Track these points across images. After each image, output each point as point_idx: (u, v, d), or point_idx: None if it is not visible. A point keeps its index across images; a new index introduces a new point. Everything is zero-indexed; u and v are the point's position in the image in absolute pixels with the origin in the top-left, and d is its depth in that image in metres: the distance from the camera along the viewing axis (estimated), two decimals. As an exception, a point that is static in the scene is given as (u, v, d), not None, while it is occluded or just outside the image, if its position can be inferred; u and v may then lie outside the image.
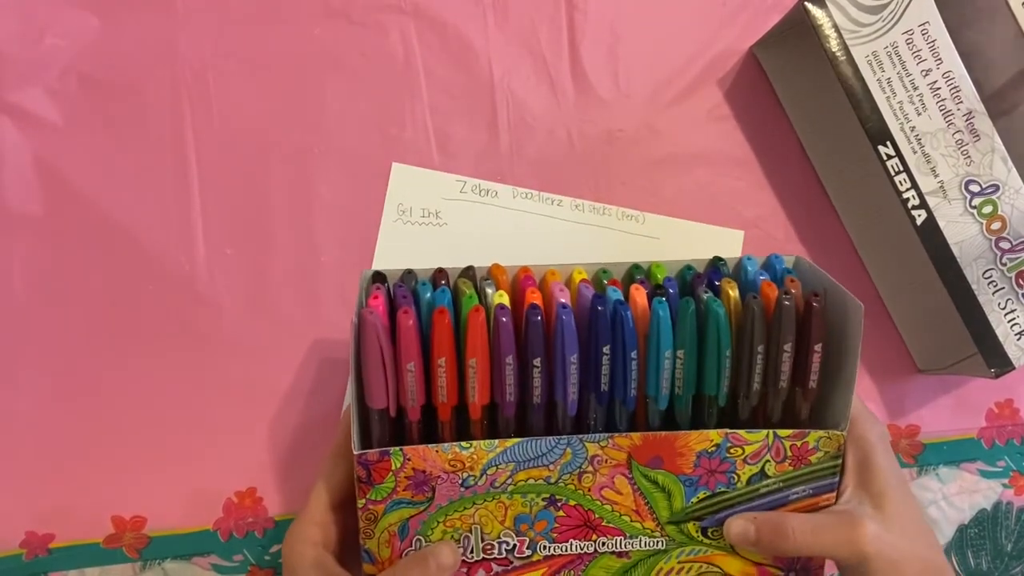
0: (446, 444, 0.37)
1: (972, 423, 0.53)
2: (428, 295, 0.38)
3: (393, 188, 0.48)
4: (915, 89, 0.44)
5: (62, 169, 0.46)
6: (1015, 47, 0.45)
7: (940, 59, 0.44)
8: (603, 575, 0.39)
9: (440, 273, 0.40)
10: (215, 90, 0.48)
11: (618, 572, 0.39)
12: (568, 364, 0.37)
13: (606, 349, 0.37)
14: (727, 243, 0.51)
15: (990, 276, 0.45)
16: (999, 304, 0.45)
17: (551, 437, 0.37)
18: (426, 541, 0.38)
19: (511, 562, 0.39)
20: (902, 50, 0.44)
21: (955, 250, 0.45)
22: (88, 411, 0.46)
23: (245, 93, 0.48)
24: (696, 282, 0.39)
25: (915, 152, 0.44)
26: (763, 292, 0.38)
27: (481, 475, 0.37)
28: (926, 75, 0.44)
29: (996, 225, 0.45)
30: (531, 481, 0.38)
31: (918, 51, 0.44)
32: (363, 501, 0.37)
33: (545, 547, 0.38)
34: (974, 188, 0.45)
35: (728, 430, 0.38)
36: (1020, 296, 0.45)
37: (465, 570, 0.38)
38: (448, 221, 0.49)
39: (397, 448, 0.36)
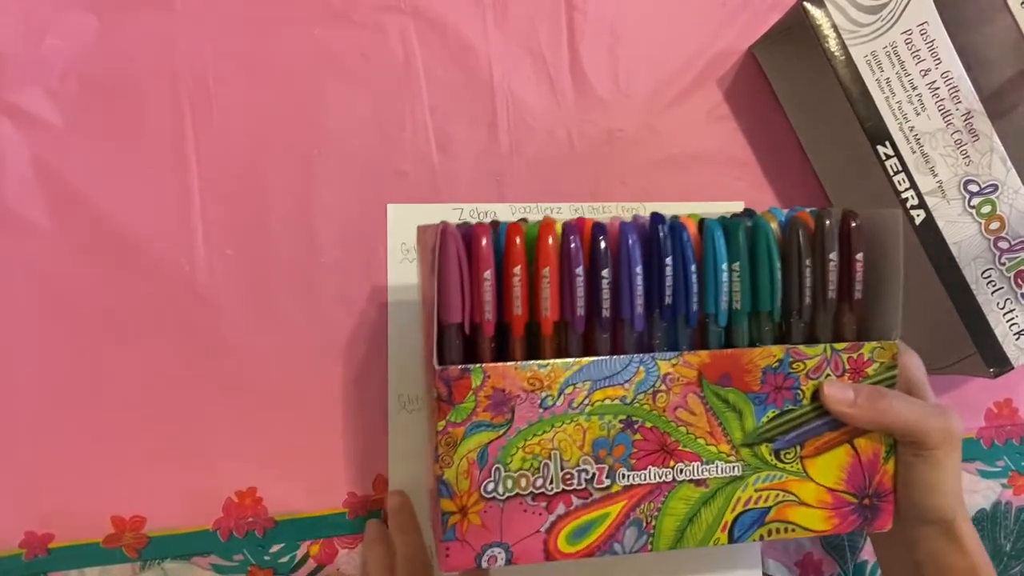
0: (524, 362, 0.37)
1: (971, 423, 0.53)
2: (491, 231, 0.39)
3: (392, 229, 0.49)
4: (914, 89, 0.44)
5: (62, 170, 0.46)
6: (1014, 47, 0.45)
7: (939, 59, 0.44)
8: (683, 506, 0.39)
9: (495, 223, 0.41)
10: (215, 90, 0.48)
11: (697, 503, 0.39)
12: (634, 275, 0.38)
13: (668, 261, 0.39)
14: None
15: (989, 276, 0.45)
16: (998, 304, 0.45)
17: (623, 356, 0.38)
18: (505, 471, 0.38)
19: (591, 494, 0.38)
20: (901, 50, 0.44)
21: (954, 250, 0.45)
22: (88, 411, 0.46)
23: (245, 93, 0.48)
24: (734, 217, 0.41)
25: (914, 152, 0.45)
26: (800, 217, 0.40)
27: (559, 394, 0.38)
28: (925, 75, 0.44)
29: (995, 225, 0.45)
30: (607, 401, 0.38)
31: (917, 51, 0.44)
32: (443, 423, 0.37)
33: (624, 475, 0.39)
34: (973, 188, 0.45)
35: (789, 346, 0.39)
36: (1019, 296, 0.45)
37: (545, 503, 0.38)
38: None
39: (476, 365, 0.37)
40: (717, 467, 0.39)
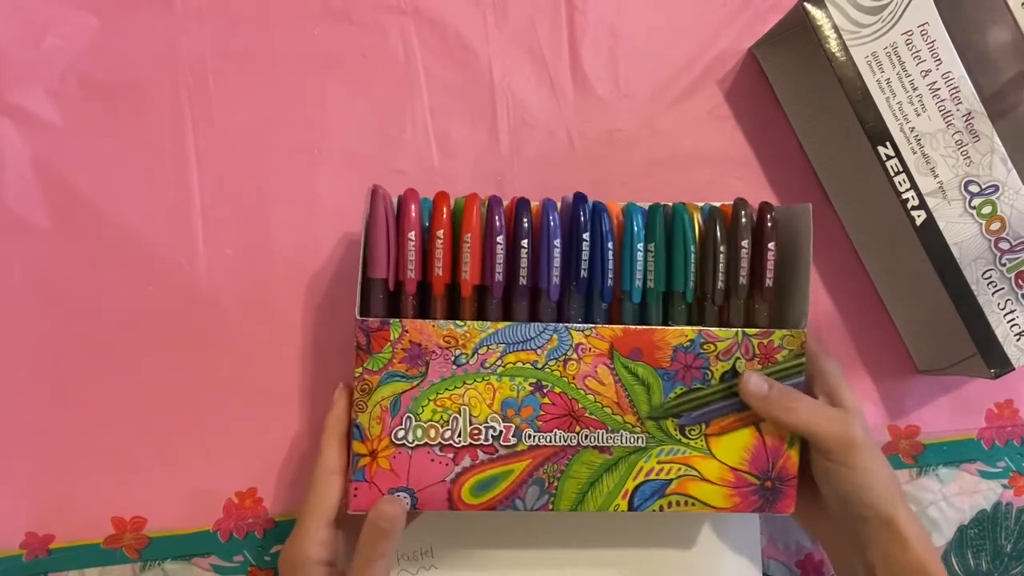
0: (441, 321, 0.40)
1: (972, 424, 0.53)
2: (428, 202, 0.42)
3: None
4: (914, 90, 0.44)
5: (62, 170, 0.46)
6: (1014, 48, 0.45)
7: (939, 60, 0.44)
8: (585, 471, 0.41)
9: (442, 195, 0.43)
10: (215, 90, 0.48)
11: (600, 468, 0.41)
12: (552, 248, 0.41)
13: (585, 236, 0.41)
14: None
15: (989, 276, 0.45)
16: (998, 304, 0.45)
17: (539, 323, 0.41)
18: (416, 420, 0.40)
19: (496, 450, 0.40)
20: (901, 51, 0.44)
21: (954, 251, 0.45)
22: (88, 412, 0.46)
23: (245, 93, 0.48)
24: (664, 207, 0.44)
25: (914, 153, 0.44)
26: (722, 208, 0.43)
27: (473, 353, 0.40)
28: (925, 76, 0.44)
29: (995, 225, 0.45)
30: (519, 364, 0.40)
31: (917, 52, 0.44)
32: (360, 370, 0.39)
33: (530, 436, 0.40)
34: (973, 189, 0.45)
35: (700, 327, 0.41)
36: (1019, 296, 0.45)
37: (452, 455, 0.40)
38: None
39: (395, 319, 0.40)
40: (622, 436, 0.41)
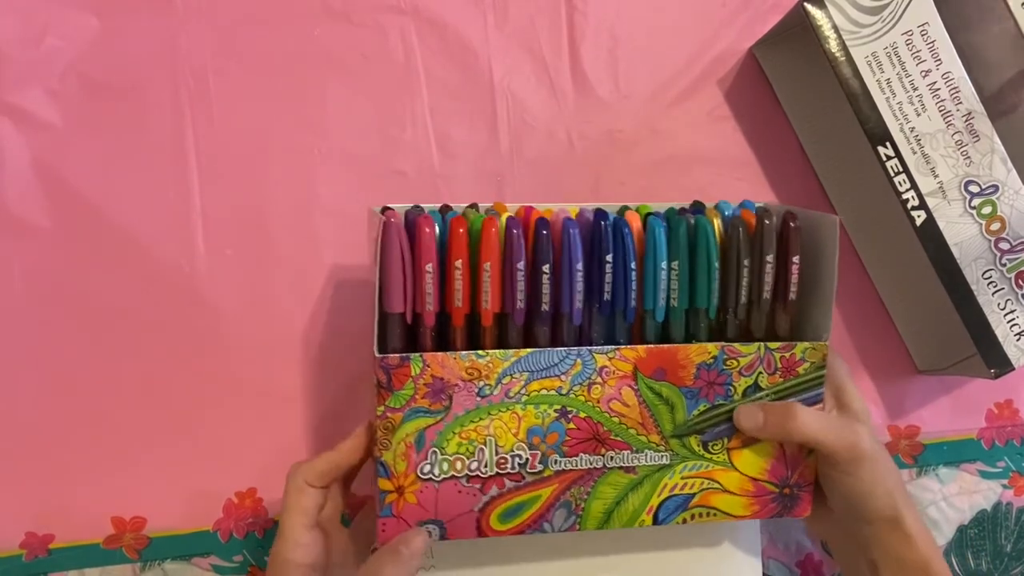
0: (463, 352, 0.38)
1: (972, 424, 0.53)
2: (438, 219, 0.40)
3: None
4: (914, 90, 0.44)
5: (62, 170, 0.46)
6: (1014, 48, 0.45)
7: (940, 60, 0.44)
8: (611, 491, 0.41)
9: (446, 208, 0.42)
10: (215, 90, 0.48)
11: (625, 488, 0.41)
12: (575, 272, 0.39)
13: (608, 258, 0.39)
14: None
15: (989, 276, 0.45)
16: (999, 304, 0.45)
17: (562, 348, 0.39)
18: (441, 454, 0.39)
19: (523, 477, 0.40)
20: (901, 51, 0.44)
21: (955, 251, 0.45)
22: (88, 411, 0.46)
23: (245, 93, 0.48)
24: (683, 213, 0.42)
25: (914, 153, 0.44)
26: (743, 216, 0.41)
27: (496, 384, 0.39)
28: (925, 76, 0.44)
29: (995, 226, 0.45)
30: (544, 392, 0.39)
31: (917, 52, 0.44)
32: (382, 408, 0.38)
33: (556, 461, 0.40)
34: (973, 189, 0.45)
35: (724, 343, 0.40)
36: (1019, 296, 0.45)
37: (479, 485, 0.39)
38: None
39: (416, 354, 0.38)
40: (647, 455, 0.41)
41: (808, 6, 0.44)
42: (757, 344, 0.41)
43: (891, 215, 0.46)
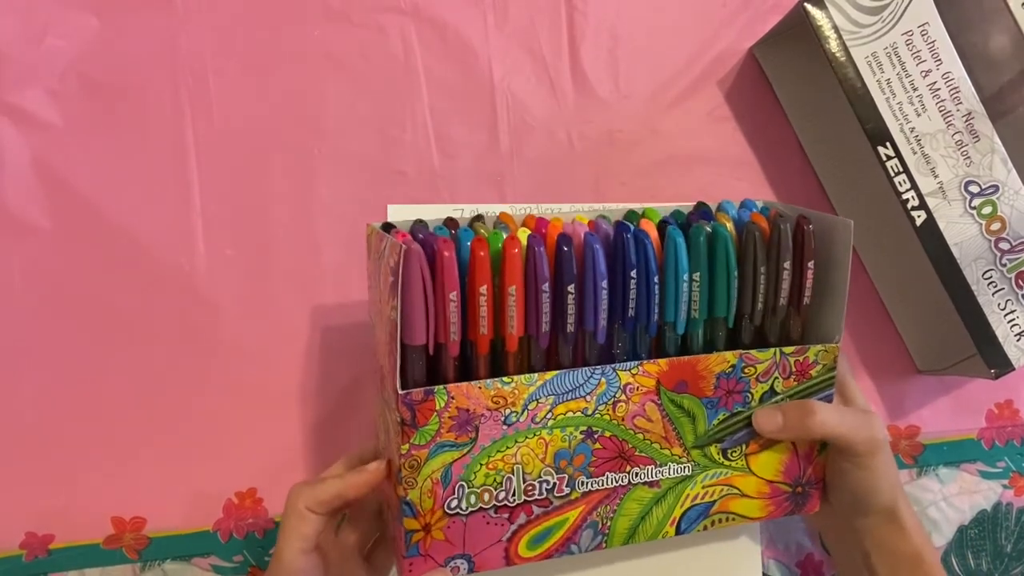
0: (488, 380, 0.37)
1: (972, 424, 0.53)
2: (449, 235, 0.38)
3: None
4: (915, 90, 0.44)
5: (62, 170, 0.46)
6: (1015, 48, 0.45)
7: (940, 60, 0.44)
8: (636, 507, 0.41)
9: (451, 221, 0.41)
10: (215, 90, 0.48)
11: (650, 502, 0.41)
12: (600, 290, 0.38)
13: (633, 274, 0.38)
14: None
15: (990, 277, 0.45)
16: (999, 305, 0.45)
17: (586, 368, 0.38)
18: (468, 487, 0.38)
19: (551, 502, 0.39)
20: (902, 51, 0.44)
21: (955, 251, 0.45)
22: (88, 412, 0.46)
23: (245, 93, 0.48)
24: (692, 219, 0.42)
25: (915, 153, 0.44)
26: (756, 221, 0.40)
27: (523, 410, 0.38)
28: (926, 76, 0.44)
29: (996, 226, 0.45)
30: (570, 414, 0.39)
31: (918, 52, 0.44)
32: (407, 447, 0.36)
33: (583, 483, 0.39)
34: (974, 189, 0.45)
35: (742, 351, 0.40)
36: (1020, 297, 0.45)
37: (507, 515, 0.39)
38: None
39: (441, 387, 0.36)
40: (670, 468, 0.40)
41: (808, 6, 0.44)
42: (773, 350, 0.40)
43: (891, 215, 0.46)
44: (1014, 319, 0.45)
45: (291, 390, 0.48)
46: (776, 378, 0.41)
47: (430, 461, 0.37)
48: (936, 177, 0.45)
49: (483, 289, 0.36)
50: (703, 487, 0.41)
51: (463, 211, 0.49)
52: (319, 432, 0.48)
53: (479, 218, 0.41)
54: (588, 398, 0.39)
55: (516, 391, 0.37)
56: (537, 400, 0.38)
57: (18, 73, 0.46)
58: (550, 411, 0.38)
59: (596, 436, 0.39)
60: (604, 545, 0.40)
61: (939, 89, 0.44)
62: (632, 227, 0.39)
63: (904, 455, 0.52)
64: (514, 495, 0.38)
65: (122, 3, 0.47)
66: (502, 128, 0.50)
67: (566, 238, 0.37)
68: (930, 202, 0.45)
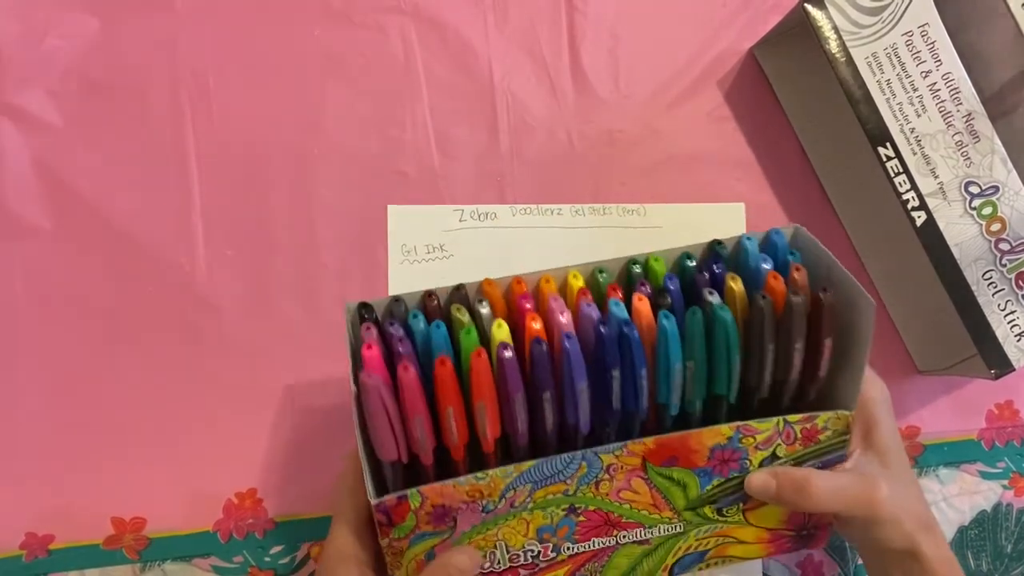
0: (462, 478, 0.36)
1: (972, 424, 0.53)
2: (422, 326, 0.37)
3: (393, 230, 0.48)
4: (915, 90, 0.44)
5: (62, 170, 0.46)
6: (1014, 48, 0.45)
7: (940, 60, 0.44)
8: (625, 562, 0.40)
9: (430, 297, 0.38)
10: (215, 91, 0.48)
11: (639, 557, 0.40)
12: (579, 392, 0.36)
13: (615, 374, 0.36)
14: (729, 219, 0.51)
15: (990, 277, 0.45)
16: (999, 305, 0.45)
17: (565, 455, 0.37)
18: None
19: (537, 566, 0.39)
20: (902, 51, 0.44)
21: (955, 251, 0.45)
22: (88, 412, 0.46)
23: (245, 94, 0.48)
24: (699, 280, 0.39)
25: (915, 153, 0.44)
26: (769, 286, 0.37)
27: (500, 499, 0.37)
28: (926, 76, 0.44)
29: (996, 226, 0.45)
30: (550, 496, 0.38)
31: (918, 52, 0.44)
32: (386, 540, 0.37)
33: (568, 548, 0.39)
34: (974, 189, 0.45)
35: (739, 423, 0.37)
36: (1020, 297, 0.45)
37: None
38: (453, 252, 0.49)
39: (414, 489, 0.36)
40: (659, 529, 0.39)
41: (808, 7, 0.44)
42: (776, 419, 0.38)
43: (891, 216, 0.46)
44: (1014, 319, 0.45)
45: (291, 390, 0.47)
46: (779, 444, 0.38)
47: (412, 548, 0.37)
48: (936, 178, 0.45)
49: (449, 411, 0.35)
50: (696, 540, 0.40)
51: (463, 211, 0.49)
52: (319, 432, 0.48)
53: (459, 289, 0.39)
54: (568, 481, 0.37)
55: (492, 484, 0.36)
56: (514, 488, 0.37)
57: (18, 73, 0.46)
58: (529, 496, 0.37)
59: (579, 511, 0.38)
60: None
61: (939, 90, 0.44)
62: (615, 320, 0.36)
63: (904, 455, 0.52)
64: (499, 563, 0.38)
65: (122, 3, 0.47)
66: (502, 128, 0.50)
67: (540, 342, 0.35)
68: (930, 203, 0.45)
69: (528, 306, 0.37)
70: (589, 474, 0.37)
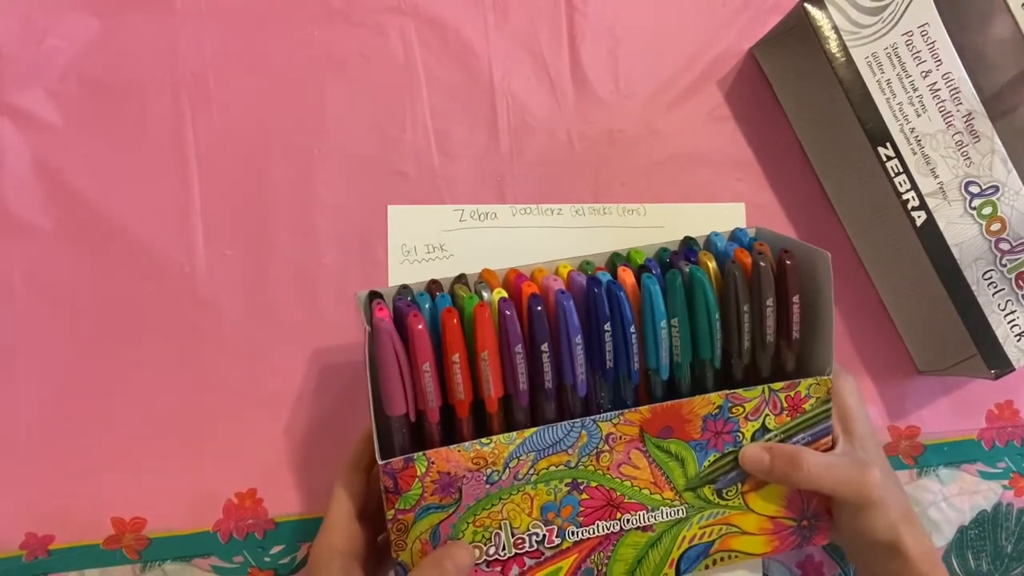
0: (467, 443, 0.37)
1: (972, 424, 0.53)
2: (428, 304, 0.39)
3: (393, 230, 0.48)
4: (915, 90, 0.44)
5: (62, 170, 0.46)
6: (1014, 48, 0.45)
7: (940, 60, 0.44)
8: (631, 552, 0.40)
9: (434, 284, 0.41)
10: (215, 91, 0.48)
11: (644, 546, 0.40)
12: (574, 345, 0.38)
13: (607, 326, 0.38)
14: (729, 219, 0.51)
15: (990, 277, 0.45)
16: (999, 305, 0.45)
17: (566, 422, 0.39)
18: None
19: (543, 553, 0.39)
20: (902, 51, 0.44)
21: (955, 251, 0.45)
22: (88, 412, 0.46)
23: (245, 94, 0.48)
24: (674, 259, 0.41)
25: (915, 153, 0.44)
26: (738, 258, 0.40)
27: (504, 468, 0.38)
28: (926, 76, 0.44)
29: (996, 226, 0.45)
30: (552, 468, 0.39)
31: (917, 52, 0.44)
32: (392, 512, 0.38)
33: (573, 532, 0.39)
34: (974, 189, 0.45)
35: (727, 391, 0.40)
36: (1020, 297, 0.45)
37: (499, 569, 0.39)
38: (453, 252, 0.49)
39: (420, 453, 0.37)
40: (662, 512, 0.40)
41: (808, 7, 0.44)
42: (761, 387, 0.40)
43: (891, 215, 0.46)
44: (1014, 319, 0.45)
45: (291, 390, 0.47)
46: (767, 415, 0.40)
47: (417, 523, 0.38)
48: (936, 177, 0.45)
49: (455, 358, 0.37)
50: (700, 528, 0.41)
51: (463, 211, 0.49)
52: (319, 432, 0.48)
53: (461, 277, 0.42)
54: (570, 451, 0.39)
55: (496, 451, 0.38)
56: (518, 458, 0.38)
57: (18, 73, 0.46)
58: (532, 467, 0.38)
59: (582, 487, 0.39)
60: None
61: (939, 89, 0.44)
62: (604, 280, 0.39)
63: (904, 456, 0.52)
64: (504, 549, 0.39)
65: (122, 3, 0.47)
66: (502, 128, 0.50)
67: (536, 298, 0.38)
68: (930, 202, 0.45)
69: (526, 281, 0.40)
70: (590, 444, 0.39)
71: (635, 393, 0.41)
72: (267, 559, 0.47)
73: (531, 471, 0.38)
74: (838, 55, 0.44)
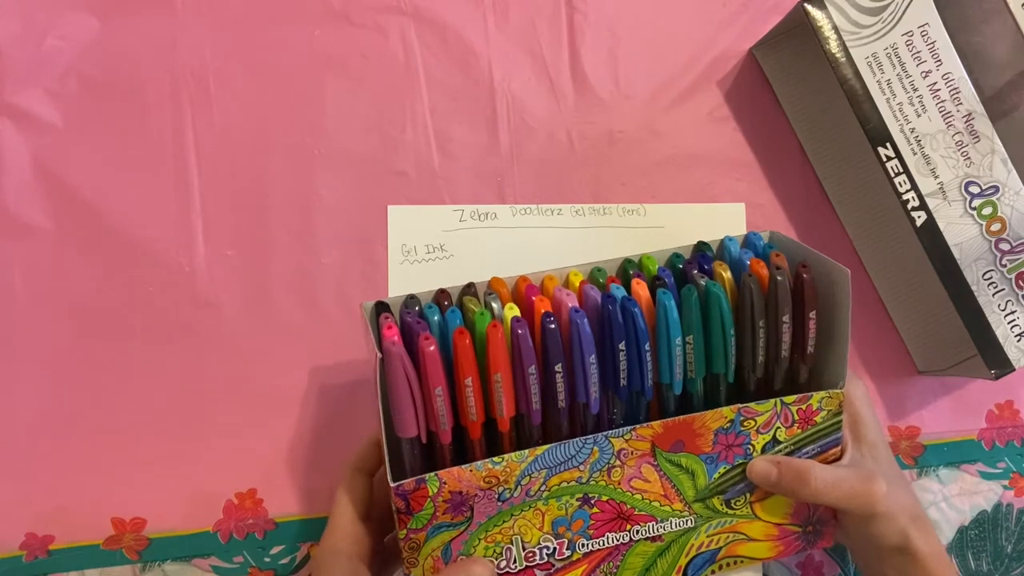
0: (478, 462, 0.37)
1: (972, 424, 0.53)
2: (437, 317, 0.38)
3: (393, 230, 0.48)
4: (915, 91, 0.44)
5: (62, 170, 0.46)
6: (1015, 49, 0.45)
7: (940, 60, 0.44)
8: (640, 561, 0.40)
9: (442, 294, 0.40)
10: (215, 91, 0.48)
11: (653, 556, 0.40)
12: (588, 365, 0.38)
13: (622, 346, 0.38)
14: (729, 219, 0.51)
15: (990, 277, 0.45)
16: (999, 305, 0.45)
17: (578, 439, 0.38)
18: None
19: (553, 565, 0.39)
20: (902, 52, 0.44)
21: (955, 251, 0.45)
22: (88, 413, 0.46)
23: (245, 94, 0.48)
24: (688, 269, 0.41)
25: (915, 153, 0.44)
26: (754, 270, 0.40)
27: (516, 486, 0.38)
28: (926, 76, 0.44)
29: (996, 226, 0.45)
30: (564, 484, 0.38)
31: (918, 52, 0.44)
32: (404, 532, 0.37)
33: (583, 544, 0.39)
34: (974, 189, 0.45)
35: (740, 405, 0.39)
36: (1020, 297, 0.45)
37: None
38: (454, 252, 0.49)
39: (432, 474, 0.37)
40: (671, 523, 0.40)
41: (808, 7, 0.44)
42: (773, 401, 0.40)
43: (891, 216, 0.46)
44: (1014, 320, 0.45)
45: (291, 390, 0.47)
46: (778, 428, 0.40)
47: (429, 541, 0.38)
48: (936, 178, 0.45)
49: (468, 381, 0.36)
50: (707, 536, 0.41)
51: (463, 211, 0.49)
52: (319, 432, 0.48)
53: (470, 287, 0.41)
54: (581, 467, 0.39)
55: (508, 469, 0.37)
56: (530, 475, 0.38)
57: (18, 73, 0.46)
58: (543, 484, 0.38)
59: (593, 501, 0.39)
60: None
61: (939, 90, 0.44)
62: (619, 297, 0.38)
63: (904, 456, 0.52)
64: (515, 563, 0.39)
65: (122, 3, 0.47)
66: (502, 128, 0.50)
67: (550, 316, 0.37)
68: (930, 203, 0.45)
69: (535, 297, 0.39)
70: (601, 459, 0.39)
71: (648, 408, 0.41)
72: (267, 559, 0.47)
73: (543, 488, 0.38)
74: (838, 55, 0.44)
